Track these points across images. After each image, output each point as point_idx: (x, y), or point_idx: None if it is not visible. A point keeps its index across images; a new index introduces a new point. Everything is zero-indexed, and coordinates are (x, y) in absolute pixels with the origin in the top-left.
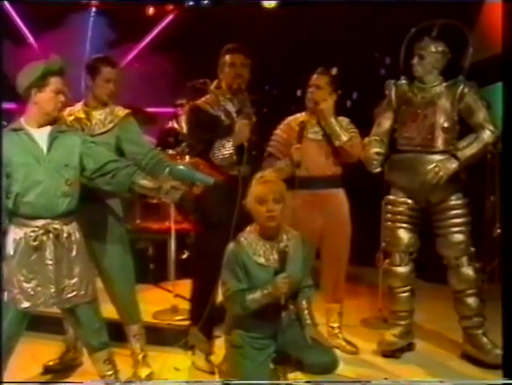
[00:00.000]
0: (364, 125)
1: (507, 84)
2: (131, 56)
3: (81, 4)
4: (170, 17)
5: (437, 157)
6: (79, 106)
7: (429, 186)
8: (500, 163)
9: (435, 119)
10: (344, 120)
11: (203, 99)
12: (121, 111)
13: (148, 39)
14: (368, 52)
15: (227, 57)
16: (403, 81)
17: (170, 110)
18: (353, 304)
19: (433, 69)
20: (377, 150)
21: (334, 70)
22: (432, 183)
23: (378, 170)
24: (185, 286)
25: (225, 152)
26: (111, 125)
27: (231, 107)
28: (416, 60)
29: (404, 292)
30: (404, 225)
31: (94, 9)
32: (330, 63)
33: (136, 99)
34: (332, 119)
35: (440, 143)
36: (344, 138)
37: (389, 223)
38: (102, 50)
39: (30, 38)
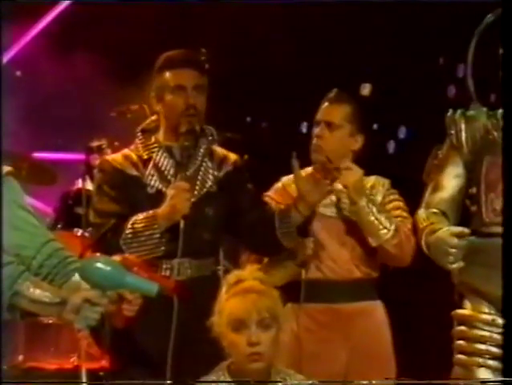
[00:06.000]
0: (420, 186)
1: (507, 83)
2: (7, 57)
3: None
4: None
5: None
6: None
7: None
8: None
9: None
10: (380, 184)
11: (125, 150)
12: None
13: (37, 29)
14: (427, 58)
15: (168, 75)
16: (482, 108)
17: (80, 157)
18: None
19: None
20: (458, 229)
21: (366, 89)
22: None
23: (457, 266)
24: None
25: (144, 238)
26: None
27: (167, 162)
28: None
29: None
30: (491, 363)
31: None
32: (359, 78)
33: (19, 139)
34: (363, 202)
35: None
36: (385, 234)
37: (463, 356)
38: None
39: None
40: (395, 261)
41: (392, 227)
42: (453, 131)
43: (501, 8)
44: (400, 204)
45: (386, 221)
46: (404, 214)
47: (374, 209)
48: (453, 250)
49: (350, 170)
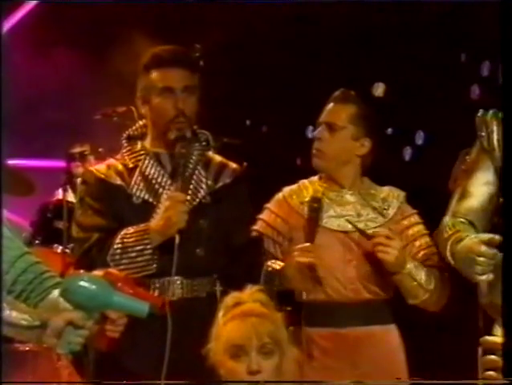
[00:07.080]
0: (438, 197)
1: (507, 85)
2: None
3: None
4: None
5: None
6: None
7: None
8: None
9: None
10: (393, 196)
11: (110, 160)
12: None
13: (11, 24)
14: (448, 55)
15: (155, 75)
16: None
17: (60, 164)
18: None
19: None
20: (488, 236)
21: (379, 89)
22: None
23: (486, 278)
24: None
25: (135, 254)
26: None
27: (155, 170)
28: None
29: None
30: None
31: None
32: (372, 77)
33: None
34: (406, 271)
35: None
36: (425, 294)
37: None
38: None
39: None
40: (427, 308)
41: (432, 286)
42: (483, 133)
43: None
44: (422, 228)
45: (426, 280)
46: (429, 241)
47: (413, 271)
48: (482, 259)
49: (390, 241)
